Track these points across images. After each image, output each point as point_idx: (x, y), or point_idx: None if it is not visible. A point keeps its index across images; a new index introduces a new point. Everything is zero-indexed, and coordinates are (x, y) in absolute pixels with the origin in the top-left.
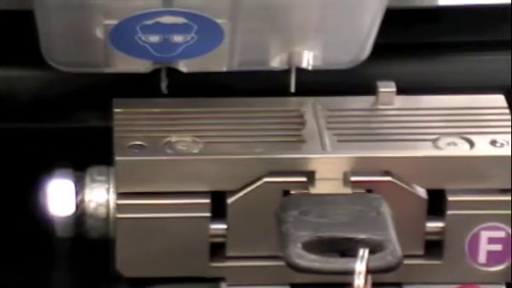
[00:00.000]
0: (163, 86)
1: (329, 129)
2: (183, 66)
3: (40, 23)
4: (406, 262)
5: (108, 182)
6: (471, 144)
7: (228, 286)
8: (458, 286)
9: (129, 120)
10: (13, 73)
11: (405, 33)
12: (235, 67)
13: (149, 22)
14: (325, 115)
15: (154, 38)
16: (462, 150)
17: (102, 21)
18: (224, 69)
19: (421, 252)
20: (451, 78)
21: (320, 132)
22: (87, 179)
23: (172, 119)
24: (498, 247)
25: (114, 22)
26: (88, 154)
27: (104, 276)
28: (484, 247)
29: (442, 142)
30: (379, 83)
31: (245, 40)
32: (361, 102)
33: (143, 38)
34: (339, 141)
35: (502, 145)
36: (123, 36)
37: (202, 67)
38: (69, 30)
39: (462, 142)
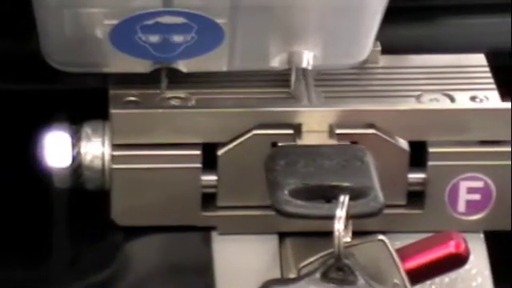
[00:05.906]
0: (163, 85)
1: (316, 86)
2: (183, 66)
3: (40, 23)
4: (389, 211)
5: (103, 135)
6: (452, 100)
7: (219, 234)
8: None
9: (124, 79)
10: (13, 40)
11: None
12: (235, 67)
13: (149, 22)
14: (312, 73)
15: (154, 38)
16: (443, 104)
17: (102, 21)
18: (224, 69)
19: (403, 202)
20: (444, 41)
21: (307, 88)
22: (83, 133)
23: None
24: (476, 197)
25: (114, 21)
26: (84, 112)
27: (99, 225)
28: (463, 197)
29: (425, 97)
30: None
31: (245, 40)
32: None
33: (143, 38)
34: (326, 97)
35: (481, 100)
36: (123, 36)
37: (202, 67)
38: (69, 30)
39: (444, 97)
